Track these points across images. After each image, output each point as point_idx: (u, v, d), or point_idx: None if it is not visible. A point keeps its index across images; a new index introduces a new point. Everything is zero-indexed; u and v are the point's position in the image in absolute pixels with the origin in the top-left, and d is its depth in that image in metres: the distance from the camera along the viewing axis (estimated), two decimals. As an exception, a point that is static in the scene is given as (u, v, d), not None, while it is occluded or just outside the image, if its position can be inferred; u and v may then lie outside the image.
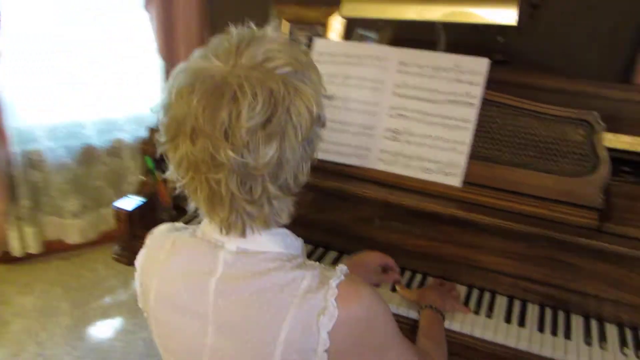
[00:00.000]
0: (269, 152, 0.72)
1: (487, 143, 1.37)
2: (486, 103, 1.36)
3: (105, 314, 2.53)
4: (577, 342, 1.22)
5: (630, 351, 1.20)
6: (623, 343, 1.22)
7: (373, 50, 1.46)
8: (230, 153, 0.71)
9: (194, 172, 0.76)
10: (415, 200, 1.36)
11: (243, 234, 0.80)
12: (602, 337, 1.23)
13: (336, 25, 2.02)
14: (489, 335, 1.24)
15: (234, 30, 0.78)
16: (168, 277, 0.84)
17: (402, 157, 1.44)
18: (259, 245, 0.81)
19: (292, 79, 0.73)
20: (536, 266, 1.30)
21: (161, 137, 0.78)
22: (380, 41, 1.82)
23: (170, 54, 2.68)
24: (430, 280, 1.42)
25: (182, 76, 0.75)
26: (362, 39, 1.89)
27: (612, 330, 1.26)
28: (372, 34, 1.85)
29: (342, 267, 0.82)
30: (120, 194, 2.43)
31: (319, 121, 0.79)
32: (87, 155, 2.89)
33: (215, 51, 0.75)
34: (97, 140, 2.89)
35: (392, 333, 0.82)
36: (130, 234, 1.56)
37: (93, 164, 2.92)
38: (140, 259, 0.90)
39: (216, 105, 0.70)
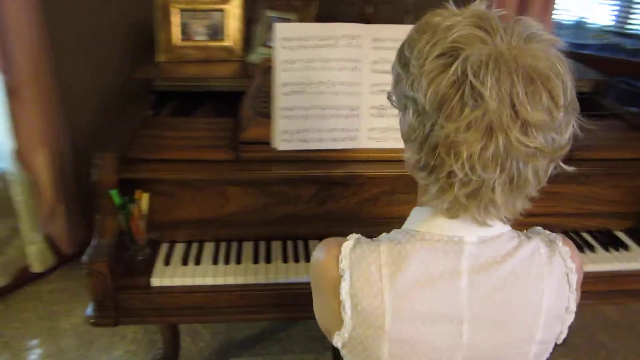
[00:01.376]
0: (569, 131, 0.72)
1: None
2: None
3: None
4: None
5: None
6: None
7: (345, 29, 1.42)
8: (555, 136, 0.69)
9: (499, 166, 0.69)
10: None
11: (487, 223, 0.77)
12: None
13: (235, 9, 1.88)
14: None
15: (468, 11, 0.72)
16: (405, 290, 0.76)
17: (392, 132, 1.47)
18: (494, 229, 0.79)
19: (559, 54, 0.72)
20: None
21: (461, 140, 0.68)
22: (302, 21, 1.77)
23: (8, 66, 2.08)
24: None
25: (475, 62, 0.67)
26: (271, 21, 1.81)
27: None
28: (287, 16, 1.79)
29: (539, 228, 0.87)
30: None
31: None
32: None
33: (489, 31, 0.69)
34: None
35: None
36: (113, 287, 1.27)
37: None
38: (347, 288, 0.78)
39: (534, 89, 0.67)
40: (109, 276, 1.25)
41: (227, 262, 1.38)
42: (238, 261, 1.39)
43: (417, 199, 0.87)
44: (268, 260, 1.40)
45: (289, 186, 1.43)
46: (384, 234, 0.84)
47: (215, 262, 1.38)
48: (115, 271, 1.28)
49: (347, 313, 0.79)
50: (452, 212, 0.77)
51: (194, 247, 1.42)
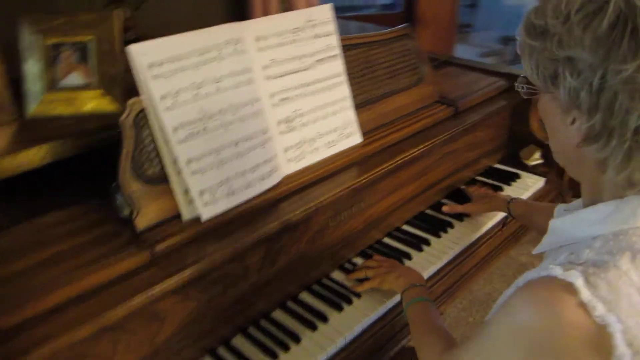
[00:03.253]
0: None
1: (356, 89, 1.30)
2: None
3: None
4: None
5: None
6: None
7: (223, 33, 1.04)
8: None
9: None
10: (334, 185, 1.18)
11: None
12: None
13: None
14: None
15: None
16: None
17: (306, 144, 1.19)
18: None
19: None
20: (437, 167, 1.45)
21: None
22: (105, 41, 1.24)
23: None
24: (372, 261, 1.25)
25: None
26: (53, 52, 1.23)
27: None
28: (79, 39, 1.23)
29: None
30: None
31: None
32: None
33: None
34: None
35: None
36: None
37: None
38: (621, 337, 0.58)
39: None
40: None
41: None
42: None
43: (584, 197, 0.71)
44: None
45: (233, 263, 1.02)
46: (587, 251, 0.65)
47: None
48: None
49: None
50: None
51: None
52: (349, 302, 1.15)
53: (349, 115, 1.26)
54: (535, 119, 1.62)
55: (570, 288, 0.60)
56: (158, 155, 0.97)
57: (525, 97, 0.78)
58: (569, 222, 0.73)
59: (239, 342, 1.06)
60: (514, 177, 1.59)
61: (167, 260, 0.93)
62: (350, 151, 1.25)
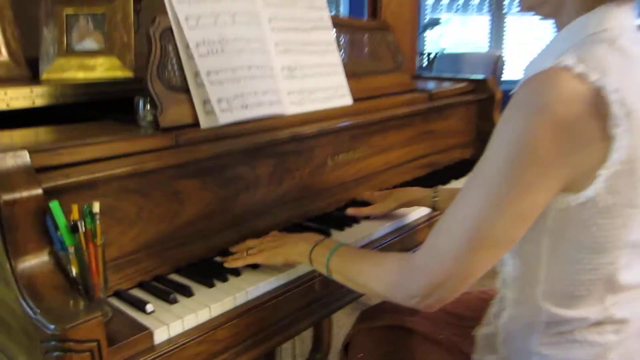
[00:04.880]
0: None
1: (344, 61, 1.47)
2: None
3: None
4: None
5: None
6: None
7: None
8: None
9: None
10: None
11: None
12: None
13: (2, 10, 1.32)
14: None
15: None
16: None
17: (306, 93, 1.32)
18: None
19: None
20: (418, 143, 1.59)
21: None
22: (116, 14, 1.39)
23: None
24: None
25: None
26: (72, 21, 1.36)
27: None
28: (94, 11, 1.37)
29: None
30: None
31: None
32: None
33: None
34: None
35: None
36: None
37: None
38: (616, 96, 0.68)
39: None
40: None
41: (224, 279, 0.94)
42: (237, 273, 0.96)
43: (565, 20, 0.81)
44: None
45: (246, 166, 1.09)
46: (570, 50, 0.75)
47: (208, 284, 0.92)
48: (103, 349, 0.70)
49: (623, 124, 0.68)
50: None
51: (157, 286, 0.91)
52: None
53: (341, 79, 1.41)
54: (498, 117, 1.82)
55: (565, 68, 0.71)
56: (180, 67, 1.08)
57: None
58: (544, 53, 0.84)
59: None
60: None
61: (189, 145, 1.00)
62: (343, 108, 1.38)
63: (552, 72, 0.72)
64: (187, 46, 1.08)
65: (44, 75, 1.37)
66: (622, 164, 0.70)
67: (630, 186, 0.73)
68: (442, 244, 0.78)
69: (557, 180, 0.72)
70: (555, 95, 0.70)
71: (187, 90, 1.07)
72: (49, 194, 0.76)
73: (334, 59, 1.41)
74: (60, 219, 0.72)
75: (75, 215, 0.75)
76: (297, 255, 0.97)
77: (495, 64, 4.76)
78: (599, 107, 0.69)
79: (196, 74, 1.09)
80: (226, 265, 0.98)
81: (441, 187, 1.28)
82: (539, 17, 0.86)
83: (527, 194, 0.72)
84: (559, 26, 0.82)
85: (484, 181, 0.75)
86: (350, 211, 1.25)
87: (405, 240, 1.23)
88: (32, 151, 0.77)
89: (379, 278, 0.86)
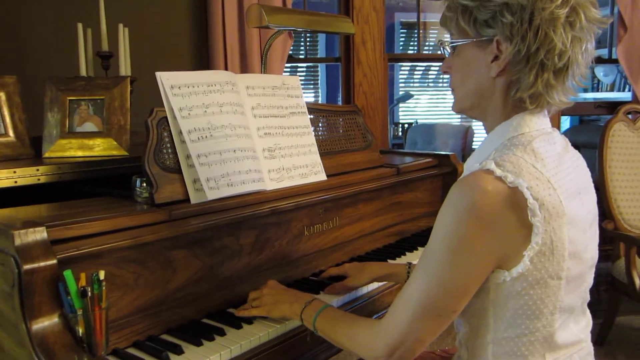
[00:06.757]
0: None
1: (319, 142, 1.64)
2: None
3: None
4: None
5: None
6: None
7: (222, 76, 1.40)
8: None
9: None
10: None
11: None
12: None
13: (11, 97, 1.48)
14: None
15: None
16: (557, 174, 0.92)
17: (285, 171, 1.48)
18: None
19: None
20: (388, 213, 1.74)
21: None
22: (114, 100, 1.56)
23: None
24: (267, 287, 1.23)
25: None
26: (73, 105, 1.53)
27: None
28: (95, 97, 1.54)
29: None
30: None
31: None
32: None
33: None
34: None
35: None
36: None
37: None
38: (529, 193, 0.86)
39: None
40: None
41: (210, 339, 1.05)
42: (222, 333, 1.08)
43: (490, 125, 1.00)
44: (250, 321, 1.14)
45: (231, 237, 1.23)
46: (493, 153, 0.93)
47: (197, 343, 1.03)
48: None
49: (538, 215, 0.84)
50: (538, 102, 0.93)
51: (150, 345, 1.02)
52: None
53: (316, 158, 1.59)
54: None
55: (487, 171, 0.87)
56: (174, 151, 1.24)
57: (447, 56, 1.02)
58: (476, 154, 1.03)
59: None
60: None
61: (181, 219, 1.14)
62: (318, 183, 1.55)
63: (477, 175, 0.88)
64: (180, 133, 1.25)
65: (47, 154, 1.52)
66: (542, 245, 0.86)
67: (554, 262, 0.89)
68: (399, 312, 0.93)
69: (488, 262, 0.88)
70: (480, 195, 0.86)
71: (179, 171, 1.23)
72: (62, 263, 0.89)
73: (310, 140, 1.59)
74: (72, 286, 0.84)
75: (83, 282, 0.88)
76: (292, 314, 1.14)
77: (466, 133, 5.05)
78: (517, 202, 0.85)
79: (187, 157, 1.24)
80: (237, 314, 1.17)
81: (414, 263, 1.41)
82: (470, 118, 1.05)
83: (462, 275, 0.88)
84: (487, 128, 1.01)
85: (428, 263, 0.91)
86: (327, 290, 1.33)
87: (358, 312, 1.33)
88: (48, 227, 0.91)
89: (352, 338, 1.01)
